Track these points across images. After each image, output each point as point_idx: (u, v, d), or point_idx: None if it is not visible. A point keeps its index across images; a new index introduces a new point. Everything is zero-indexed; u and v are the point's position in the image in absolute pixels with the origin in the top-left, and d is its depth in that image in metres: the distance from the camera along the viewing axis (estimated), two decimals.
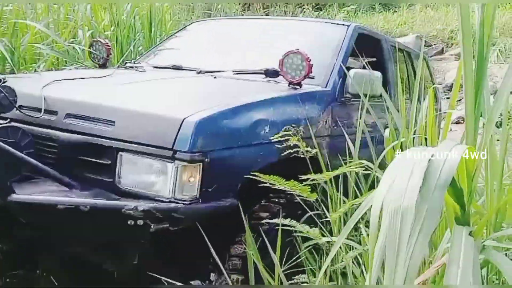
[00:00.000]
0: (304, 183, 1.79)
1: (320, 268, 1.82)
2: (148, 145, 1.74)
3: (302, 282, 1.80)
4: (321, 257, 1.88)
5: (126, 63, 3.28)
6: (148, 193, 1.75)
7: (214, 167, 1.76)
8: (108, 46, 3.16)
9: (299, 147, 1.90)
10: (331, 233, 1.86)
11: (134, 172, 1.78)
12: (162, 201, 1.71)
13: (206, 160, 1.73)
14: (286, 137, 1.93)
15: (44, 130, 1.96)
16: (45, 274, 2.22)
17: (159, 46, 3.59)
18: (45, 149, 1.94)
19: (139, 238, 1.79)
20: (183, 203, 1.70)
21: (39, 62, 4.12)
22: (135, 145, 1.76)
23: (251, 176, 1.76)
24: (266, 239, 1.76)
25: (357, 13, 13.74)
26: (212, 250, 1.67)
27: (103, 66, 3.17)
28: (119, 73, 2.71)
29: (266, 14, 13.07)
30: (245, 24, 3.66)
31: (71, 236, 1.88)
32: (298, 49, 2.41)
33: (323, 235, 1.81)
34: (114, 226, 1.76)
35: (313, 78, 2.50)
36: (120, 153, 1.78)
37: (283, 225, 1.75)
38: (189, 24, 3.82)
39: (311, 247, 1.87)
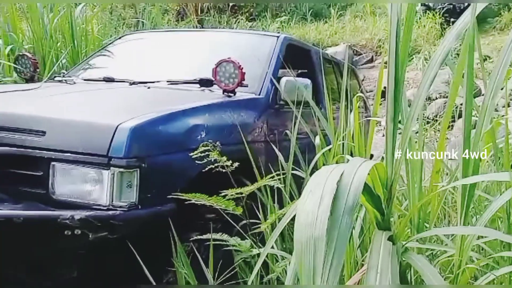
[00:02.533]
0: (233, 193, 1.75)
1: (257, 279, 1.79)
2: (81, 153, 1.71)
3: None
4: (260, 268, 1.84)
5: (54, 76, 3.19)
6: (85, 202, 1.71)
7: (152, 173, 1.75)
8: (35, 60, 3.09)
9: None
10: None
11: (68, 182, 1.73)
12: (100, 209, 1.68)
13: (143, 165, 1.72)
14: (206, 153, 1.81)
15: None
16: None
17: (89, 60, 3.52)
18: None
19: (77, 249, 1.74)
20: (122, 210, 1.68)
21: None
22: (68, 154, 1.72)
23: (177, 195, 1.73)
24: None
25: (290, 24, 14.03)
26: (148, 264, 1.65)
27: (30, 80, 3.07)
28: (48, 86, 2.64)
29: (200, 23, 12.83)
30: (178, 37, 3.67)
31: (3, 252, 1.79)
32: (230, 58, 2.46)
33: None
34: (50, 237, 1.70)
35: (246, 86, 2.56)
36: (53, 163, 1.73)
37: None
38: (120, 37, 3.77)
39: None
